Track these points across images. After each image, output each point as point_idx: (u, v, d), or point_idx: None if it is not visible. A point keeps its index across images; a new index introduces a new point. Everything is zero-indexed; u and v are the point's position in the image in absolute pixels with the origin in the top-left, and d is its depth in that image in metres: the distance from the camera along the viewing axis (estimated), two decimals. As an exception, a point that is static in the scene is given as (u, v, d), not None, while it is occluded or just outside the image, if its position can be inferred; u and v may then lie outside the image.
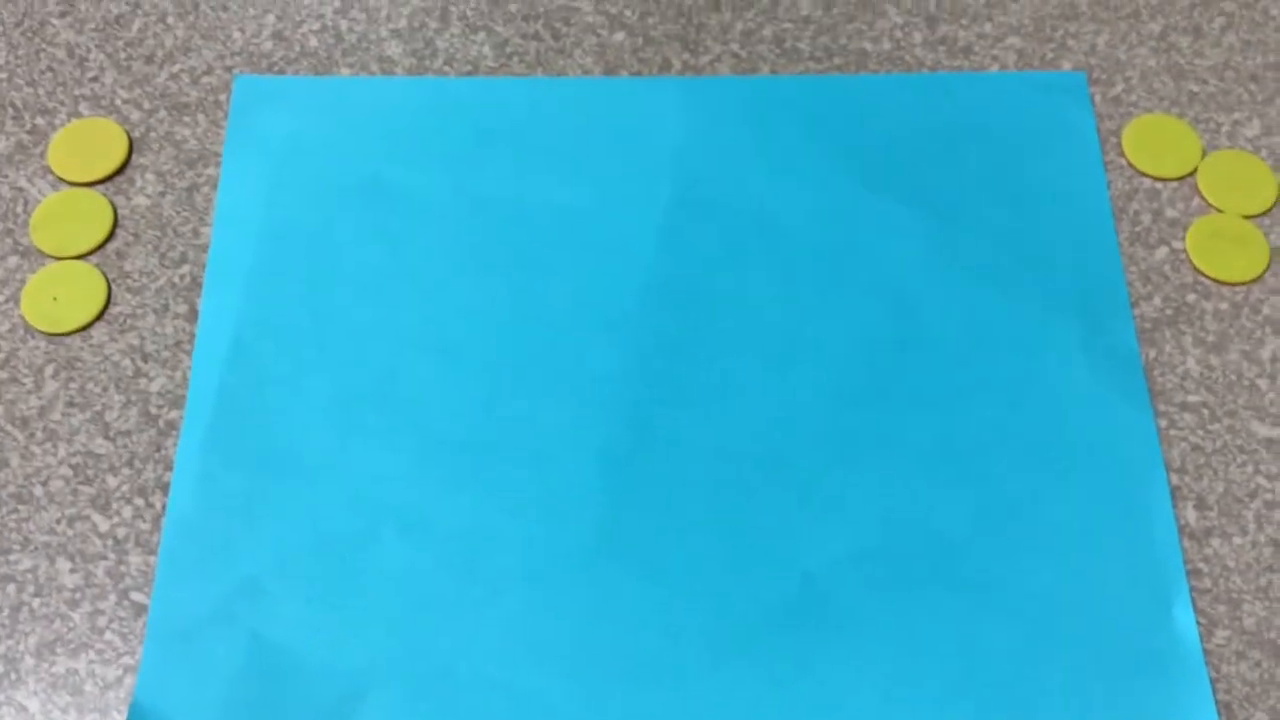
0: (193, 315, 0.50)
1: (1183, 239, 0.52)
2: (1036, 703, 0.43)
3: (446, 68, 0.55)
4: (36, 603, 0.45)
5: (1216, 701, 0.43)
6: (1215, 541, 0.46)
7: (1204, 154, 0.53)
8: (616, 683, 0.43)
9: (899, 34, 0.56)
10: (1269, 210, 0.52)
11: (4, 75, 0.55)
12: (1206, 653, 0.44)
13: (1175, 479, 0.47)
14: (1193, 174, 0.53)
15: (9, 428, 0.47)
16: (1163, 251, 0.52)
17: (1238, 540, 0.46)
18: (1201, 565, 0.46)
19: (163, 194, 0.52)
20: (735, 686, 0.43)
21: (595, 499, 0.46)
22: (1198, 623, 0.45)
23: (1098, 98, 0.55)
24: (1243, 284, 0.51)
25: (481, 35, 0.56)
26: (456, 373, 0.48)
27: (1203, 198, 0.53)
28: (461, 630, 0.44)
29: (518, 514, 0.46)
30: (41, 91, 0.54)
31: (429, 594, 0.45)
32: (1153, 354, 0.49)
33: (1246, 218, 0.52)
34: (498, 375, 0.48)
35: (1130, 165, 0.53)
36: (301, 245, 0.51)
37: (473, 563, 0.45)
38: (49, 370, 0.48)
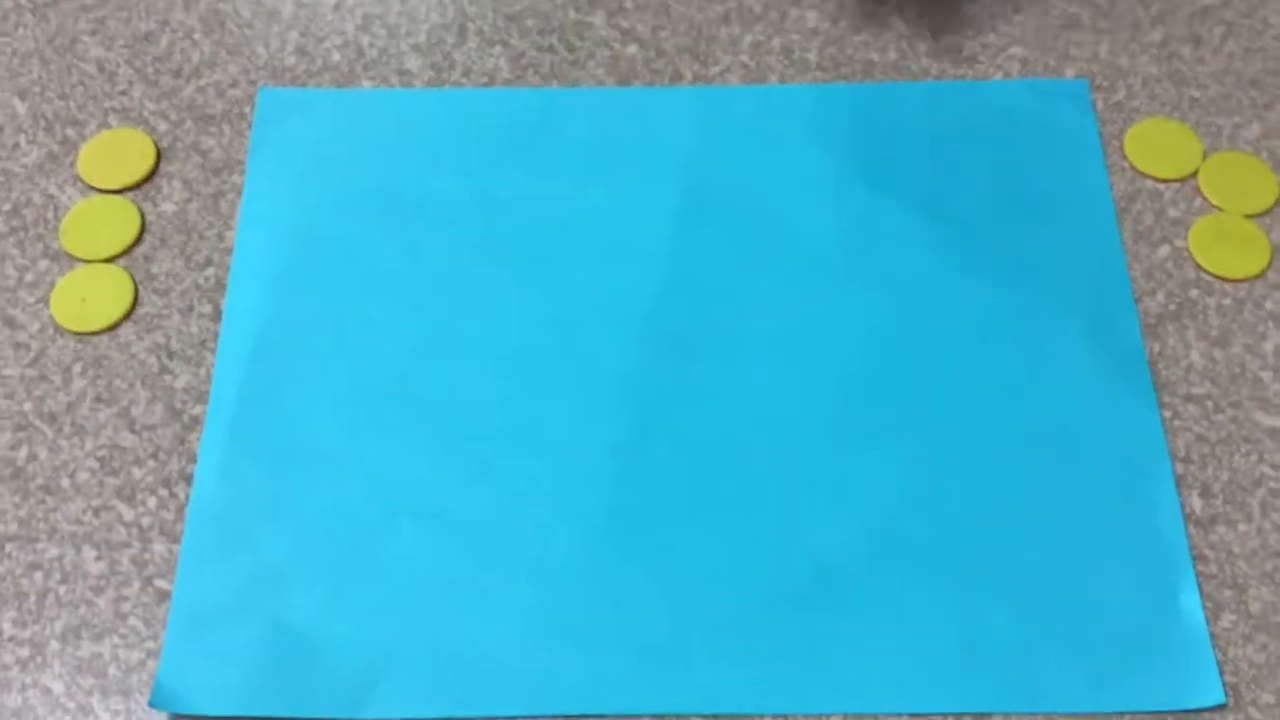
0: (217, 315, 0.51)
1: (1185, 237, 0.53)
2: (1044, 686, 0.44)
3: (464, 80, 0.57)
4: (63, 589, 0.46)
5: (1224, 684, 0.44)
6: (1220, 528, 0.47)
7: (1205, 156, 0.54)
8: (627, 667, 0.44)
9: (904, 44, 0.57)
10: (1270, 209, 0.53)
11: (37, 89, 0.56)
12: (1213, 636, 0.45)
13: (1180, 468, 0.48)
14: (1194, 175, 0.54)
15: (38, 423, 0.49)
16: (1165, 250, 0.53)
17: (1243, 527, 0.47)
18: (1207, 551, 0.46)
19: (189, 200, 0.54)
20: (744, 670, 0.44)
21: (607, 489, 0.47)
22: (1204, 607, 0.45)
23: (1100, 103, 0.56)
24: (1245, 280, 0.52)
25: (498, 49, 0.57)
26: (472, 370, 0.50)
27: (1204, 198, 0.54)
28: (476, 617, 0.45)
29: (531, 504, 0.47)
30: (73, 104, 0.56)
31: (444, 582, 0.46)
32: (1157, 348, 0.50)
33: (1248, 216, 0.53)
34: (512, 372, 0.50)
35: (1133, 168, 0.54)
36: (322, 248, 0.52)
37: (487, 551, 0.46)
38: (77, 368, 0.50)
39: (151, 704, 0.43)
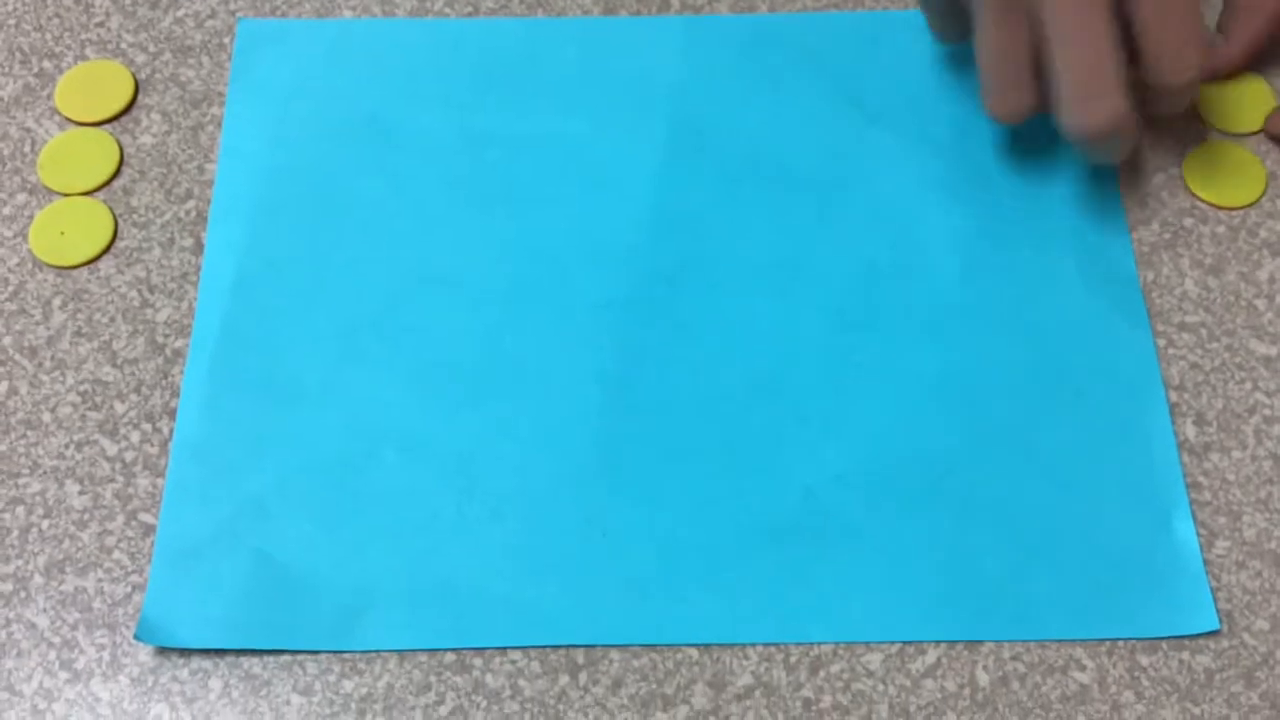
0: (198, 248, 0.50)
1: (1179, 165, 0.52)
2: (1036, 613, 0.44)
3: (447, 9, 0.56)
4: (45, 524, 0.45)
5: (1217, 610, 0.44)
6: (1215, 456, 0.46)
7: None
8: (615, 597, 0.44)
9: (896, -28, 0.57)
10: (1262, 130, 0.53)
11: (11, 21, 0.55)
12: (1207, 563, 0.45)
13: (1174, 396, 0.47)
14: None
15: (18, 357, 0.48)
16: (1159, 178, 0.52)
17: (1237, 454, 0.46)
18: (1201, 479, 0.46)
19: (168, 133, 0.53)
20: (734, 600, 0.44)
21: (593, 420, 0.47)
22: (1198, 534, 0.45)
23: (1094, 30, 0.55)
24: (1239, 209, 0.51)
25: (482, -22, 0.56)
26: (455, 301, 0.49)
27: (1202, 122, 0.53)
28: (461, 548, 0.45)
29: (517, 435, 0.46)
30: (49, 36, 0.55)
31: (429, 513, 0.45)
32: (1150, 276, 0.50)
33: (1244, 135, 0.52)
34: (496, 303, 0.49)
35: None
36: (304, 181, 0.51)
37: (472, 482, 0.46)
38: (57, 302, 0.49)
39: (137, 637, 0.43)
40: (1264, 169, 0.52)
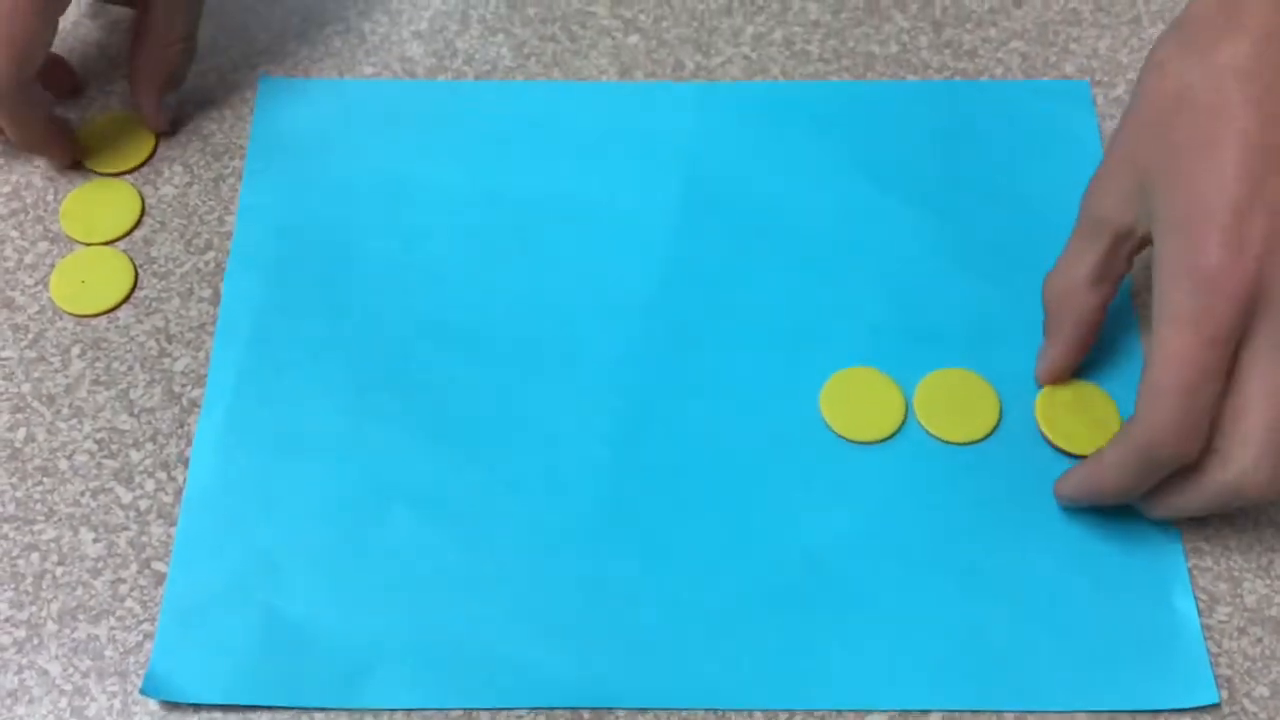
0: (216, 299, 0.51)
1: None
2: (1036, 684, 0.44)
3: (466, 68, 0.57)
4: (60, 570, 0.46)
5: (1217, 676, 0.44)
6: (1216, 522, 0.47)
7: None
8: (620, 658, 0.44)
9: (905, 38, 0.58)
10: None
11: (37, 72, 0.56)
12: (1207, 628, 0.45)
13: (1177, 462, 0.48)
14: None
15: (36, 404, 0.49)
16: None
17: (1239, 521, 0.47)
18: (1203, 545, 0.46)
19: (189, 184, 0.54)
20: (736, 663, 0.44)
21: (601, 480, 0.47)
22: (1199, 600, 0.45)
23: (1100, 98, 0.56)
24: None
25: (500, 37, 0.57)
26: (468, 358, 0.50)
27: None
28: (469, 606, 0.45)
29: (525, 494, 0.47)
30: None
31: (438, 571, 0.45)
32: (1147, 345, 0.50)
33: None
34: (508, 361, 0.50)
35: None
36: (321, 235, 0.52)
37: (480, 540, 0.46)
38: (75, 350, 0.50)
39: (143, 691, 0.43)
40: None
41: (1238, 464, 0.41)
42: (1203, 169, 0.41)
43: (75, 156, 0.54)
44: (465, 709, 0.43)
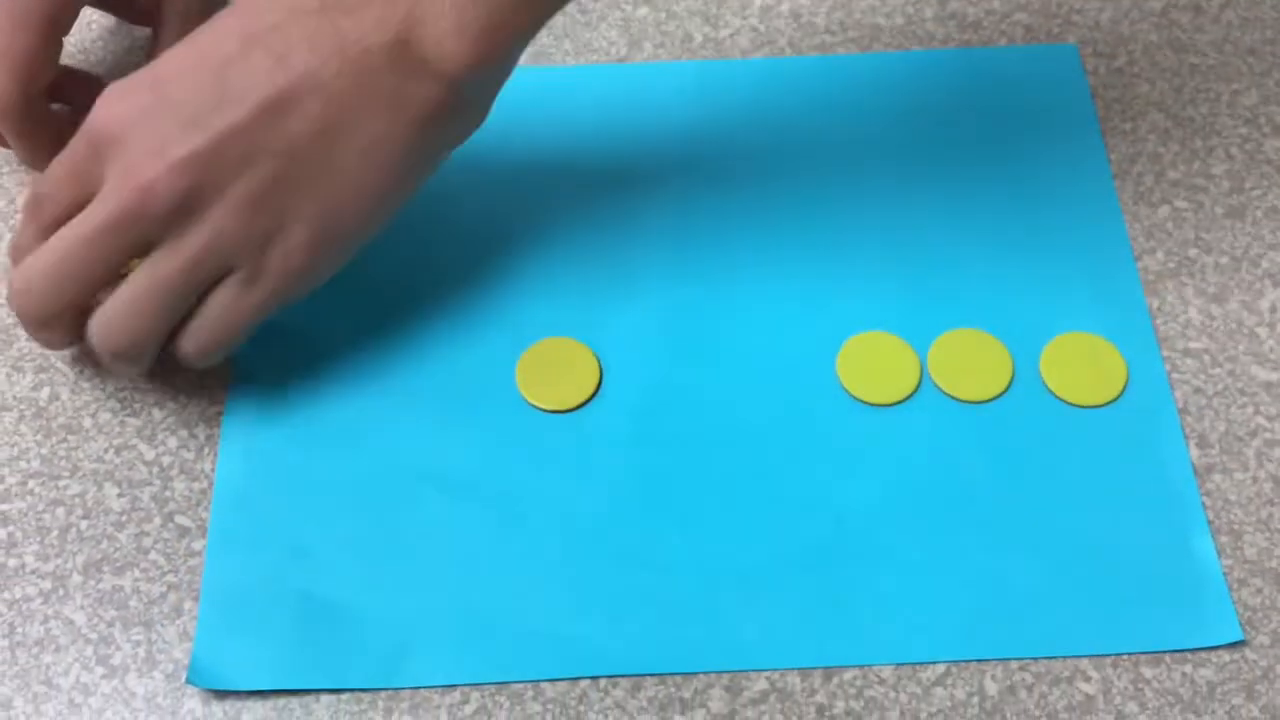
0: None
1: (1185, 198, 0.54)
2: (1064, 631, 0.45)
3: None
4: (84, 525, 0.47)
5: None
6: (1217, 477, 0.48)
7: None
8: (654, 625, 0.45)
9: (910, 9, 0.59)
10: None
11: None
12: (1209, 579, 0.46)
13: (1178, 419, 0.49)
14: (1193, 139, 0.55)
15: (59, 364, 0.50)
16: (1165, 210, 0.54)
17: (1239, 476, 0.48)
18: (1204, 499, 0.47)
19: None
20: (770, 624, 0.45)
21: (629, 451, 0.48)
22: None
23: (1102, 68, 0.57)
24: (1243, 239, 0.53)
25: (512, 10, 0.58)
26: (493, 336, 0.50)
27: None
28: (504, 581, 0.45)
29: (552, 467, 0.48)
30: (82, 38, 0.57)
31: (470, 548, 0.46)
32: (1156, 303, 0.51)
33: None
34: (531, 336, 0.50)
35: (1133, 131, 0.56)
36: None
37: (511, 516, 0.47)
38: (98, 312, 0.51)
39: (189, 681, 0.43)
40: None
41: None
42: (173, 52, 0.45)
43: None
44: (504, 682, 0.44)
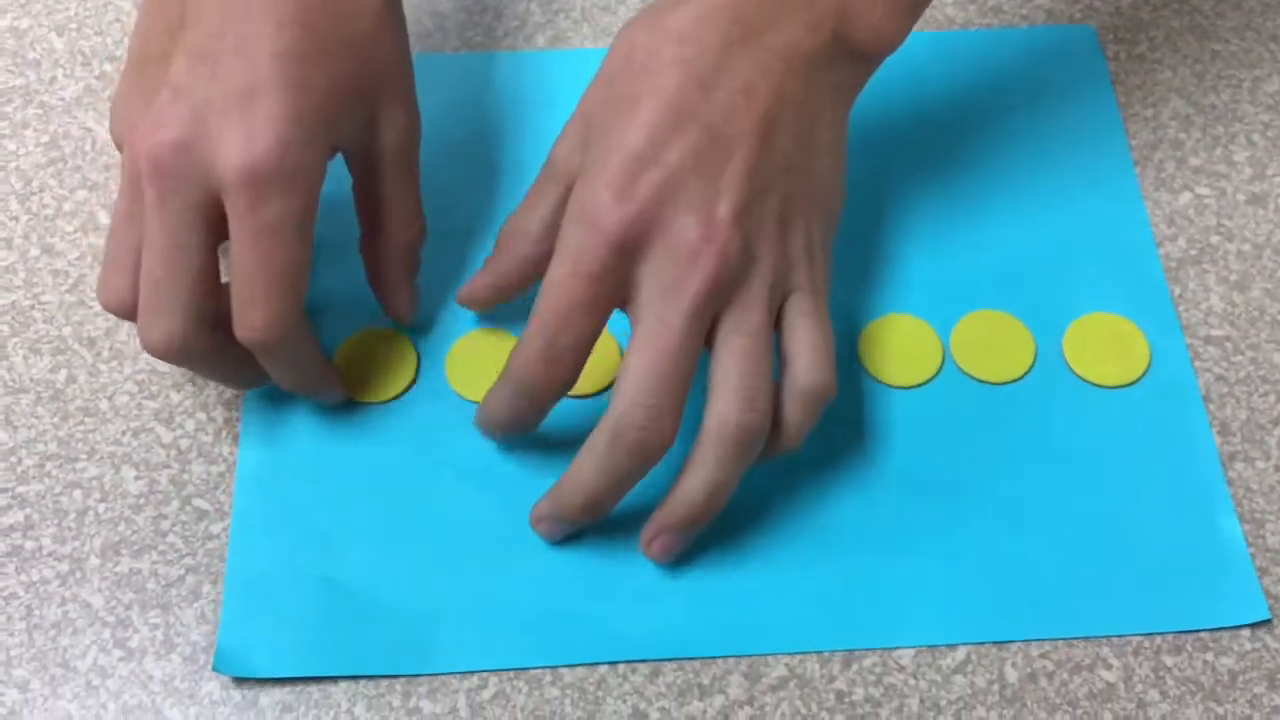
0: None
1: (1206, 185, 0.53)
2: (1090, 612, 0.45)
3: (495, 23, 0.57)
4: (102, 507, 0.47)
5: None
6: (1239, 465, 0.48)
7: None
8: (678, 609, 0.45)
9: (931, -6, 0.58)
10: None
11: (74, 25, 0.57)
12: (1231, 568, 0.46)
13: (1200, 407, 0.49)
14: (1215, 125, 0.55)
15: (77, 347, 0.50)
16: (1186, 197, 0.53)
17: (1260, 464, 0.48)
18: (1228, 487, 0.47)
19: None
20: (794, 607, 0.45)
21: None
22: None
23: (1122, 54, 0.57)
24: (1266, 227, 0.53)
25: (529, -7, 0.58)
26: (517, 323, 0.50)
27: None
28: (528, 566, 0.45)
29: (572, 452, 0.47)
30: (109, 40, 0.57)
31: (491, 533, 0.46)
32: (1177, 290, 0.51)
33: (1268, 166, 0.54)
34: None
35: (1154, 117, 0.55)
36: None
37: (529, 503, 0.46)
38: (115, 295, 0.51)
39: (215, 668, 0.43)
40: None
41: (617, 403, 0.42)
42: (622, 122, 0.42)
43: (346, 392, 0.48)
44: (527, 668, 0.44)
